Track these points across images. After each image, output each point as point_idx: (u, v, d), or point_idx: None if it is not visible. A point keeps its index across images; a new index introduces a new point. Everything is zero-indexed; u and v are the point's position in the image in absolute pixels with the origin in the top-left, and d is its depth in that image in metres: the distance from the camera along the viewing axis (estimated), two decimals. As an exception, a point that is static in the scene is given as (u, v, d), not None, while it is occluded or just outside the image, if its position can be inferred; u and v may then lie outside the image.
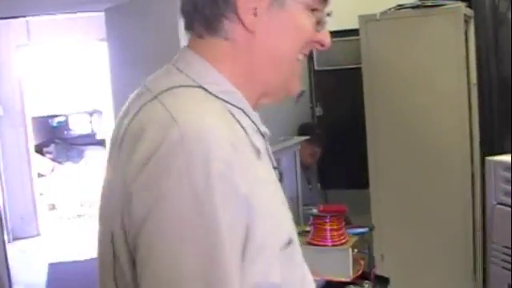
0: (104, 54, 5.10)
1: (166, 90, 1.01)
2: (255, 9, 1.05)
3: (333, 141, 4.56)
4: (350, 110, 4.52)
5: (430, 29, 3.86)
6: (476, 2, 4.13)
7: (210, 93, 1.03)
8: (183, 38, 1.22)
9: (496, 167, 3.12)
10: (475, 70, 4.10)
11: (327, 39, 1.14)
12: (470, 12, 4.06)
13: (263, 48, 1.08)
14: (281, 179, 1.12)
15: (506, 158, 3.13)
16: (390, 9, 3.96)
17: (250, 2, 1.05)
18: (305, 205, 3.95)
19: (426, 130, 3.92)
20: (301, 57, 1.13)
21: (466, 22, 4.02)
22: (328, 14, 1.13)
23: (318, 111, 4.82)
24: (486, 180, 3.26)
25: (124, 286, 1.00)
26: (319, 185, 4.77)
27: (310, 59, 4.71)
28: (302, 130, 4.41)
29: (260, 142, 1.06)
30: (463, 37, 3.88)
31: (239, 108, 1.05)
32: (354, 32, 4.14)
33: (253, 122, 1.08)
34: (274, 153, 1.13)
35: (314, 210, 2.69)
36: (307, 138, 3.25)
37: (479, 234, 3.91)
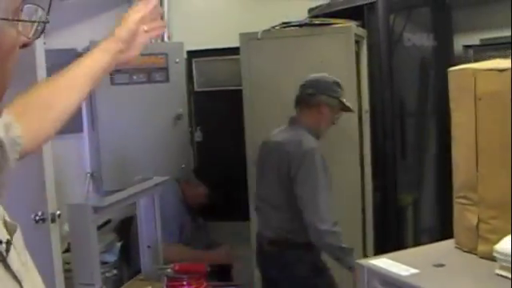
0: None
1: None
2: None
3: (212, 169, 4.10)
4: (232, 135, 4.02)
5: (317, 49, 3.48)
6: (369, 22, 3.79)
7: None
8: None
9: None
10: (367, 96, 3.76)
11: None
12: (362, 32, 3.71)
13: None
14: None
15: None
16: (274, 27, 3.54)
17: None
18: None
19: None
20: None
21: (358, 42, 3.67)
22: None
23: (198, 136, 4.32)
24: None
25: None
26: (201, 218, 4.28)
27: (189, 79, 4.23)
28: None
29: None
30: (354, 58, 3.51)
31: None
32: (237, 50, 3.70)
33: None
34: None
35: (169, 270, 2.22)
36: (166, 178, 2.61)
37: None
